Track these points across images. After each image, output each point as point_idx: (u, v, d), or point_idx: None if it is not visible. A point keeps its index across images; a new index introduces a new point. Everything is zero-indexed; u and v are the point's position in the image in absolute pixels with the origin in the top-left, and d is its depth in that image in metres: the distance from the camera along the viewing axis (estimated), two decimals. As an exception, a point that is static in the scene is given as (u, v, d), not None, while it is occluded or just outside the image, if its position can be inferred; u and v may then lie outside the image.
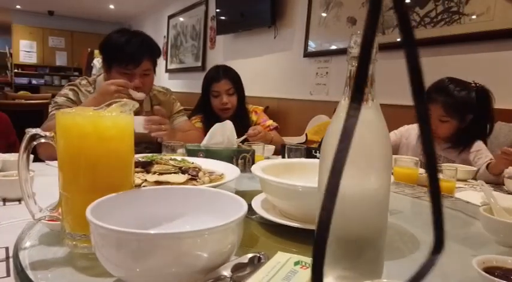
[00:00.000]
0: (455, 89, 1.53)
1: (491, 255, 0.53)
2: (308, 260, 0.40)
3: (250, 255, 0.44)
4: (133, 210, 0.53)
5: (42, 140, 0.55)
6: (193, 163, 0.92)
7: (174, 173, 0.84)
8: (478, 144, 1.58)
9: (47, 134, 0.55)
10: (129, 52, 1.49)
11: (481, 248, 0.69)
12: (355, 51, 0.45)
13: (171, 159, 0.91)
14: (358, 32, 0.42)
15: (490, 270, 0.49)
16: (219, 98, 1.94)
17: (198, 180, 0.84)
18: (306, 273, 0.37)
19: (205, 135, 1.31)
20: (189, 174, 0.84)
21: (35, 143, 0.54)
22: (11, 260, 0.54)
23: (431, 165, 0.27)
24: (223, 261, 0.44)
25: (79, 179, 0.54)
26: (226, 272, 0.42)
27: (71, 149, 0.54)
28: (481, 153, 1.55)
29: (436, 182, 0.29)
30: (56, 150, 0.55)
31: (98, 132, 0.54)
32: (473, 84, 1.55)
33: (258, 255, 0.43)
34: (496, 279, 0.46)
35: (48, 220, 0.58)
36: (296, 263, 0.39)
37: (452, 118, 1.54)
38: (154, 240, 0.41)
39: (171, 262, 0.41)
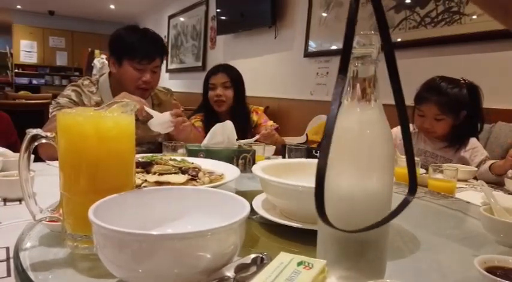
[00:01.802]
0: (448, 87, 1.54)
1: (492, 255, 0.53)
2: (311, 260, 0.40)
3: (253, 255, 0.44)
4: (135, 210, 0.53)
5: (43, 141, 0.54)
6: (193, 163, 0.92)
7: (174, 173, 0.84)
8: (473, 142, 1.59)
9: (48, 134, 0.54)
10: (144, 47, 1.54)
11: (481, 248, 0.69)
12: (358, 51, 0.44)
13: (170, 159, 0.91)
14: (362, 32, 0.42)
15: (491, 270, 0.49)
16: (215, 91, 1.95)
17: (198, 180, 0.83)
18: (309, 274, 0.37)
19: (204, 133, 1.31)
20: (189, 175, 0.84)
21: (36, 143, 0.54)
22: (11, 260, 0.54)
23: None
24: (226, 262, 0.44)
25: (80, 180, 0.54)
26: (229, 273, 0.42)
27: (72, 150, 0.54)
28: (476, 150, 1.56)
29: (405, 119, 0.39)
30: (57, 151, 0.55)
31: (98, 132, 0.54)
32: (462, 81, 1.56)
33: (261, 255, 0.43)
34: (498, 279, 0.46)
35: (49, 221, 0.58)
36: (299, 264, 0.39)
37: (447, 116, 1.55)
38: (157, 241, 0.41)
39: (174, 263, 0.41)
